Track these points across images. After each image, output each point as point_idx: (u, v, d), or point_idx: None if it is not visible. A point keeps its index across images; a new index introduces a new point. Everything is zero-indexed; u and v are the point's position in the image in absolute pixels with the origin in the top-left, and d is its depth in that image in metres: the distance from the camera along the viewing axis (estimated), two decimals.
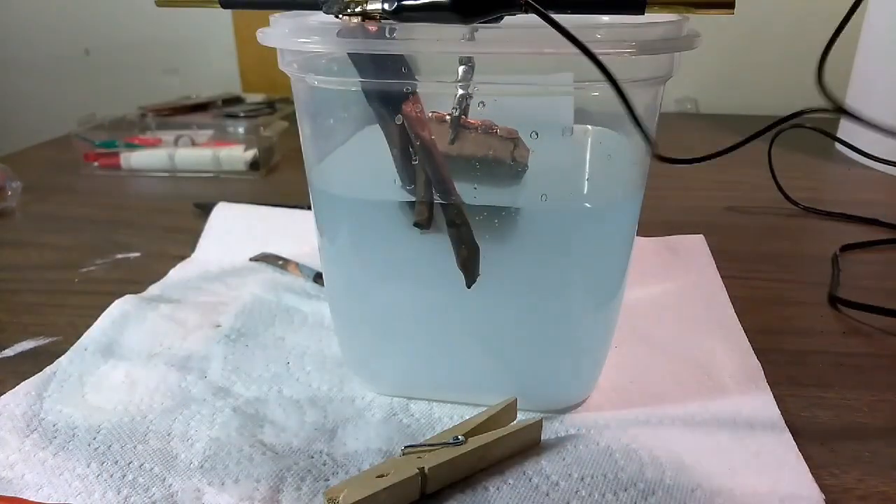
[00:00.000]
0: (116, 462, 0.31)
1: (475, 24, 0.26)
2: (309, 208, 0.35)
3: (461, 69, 0.27)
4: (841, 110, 0.26)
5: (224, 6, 0.30)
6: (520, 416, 0.33)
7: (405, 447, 0.30)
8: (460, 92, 0.28)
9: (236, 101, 0.95)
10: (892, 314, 0.42)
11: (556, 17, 0.23)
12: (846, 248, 0.54)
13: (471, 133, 0.28)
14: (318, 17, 0.29)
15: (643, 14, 0.27)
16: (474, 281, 0.31)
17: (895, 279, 0.50)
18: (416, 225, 0.30)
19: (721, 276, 0.48)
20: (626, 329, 0.41)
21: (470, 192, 0.29)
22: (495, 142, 0.28)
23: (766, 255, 0.54)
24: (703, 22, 0.28)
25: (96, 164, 0.78)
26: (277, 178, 0.76)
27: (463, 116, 0.28)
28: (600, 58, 0.25)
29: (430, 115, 0.28)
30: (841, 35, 0.27)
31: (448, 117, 0.28)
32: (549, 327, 0.33)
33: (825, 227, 0.60)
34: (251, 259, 0.52)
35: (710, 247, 0.53)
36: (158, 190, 0.74)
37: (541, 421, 0.32)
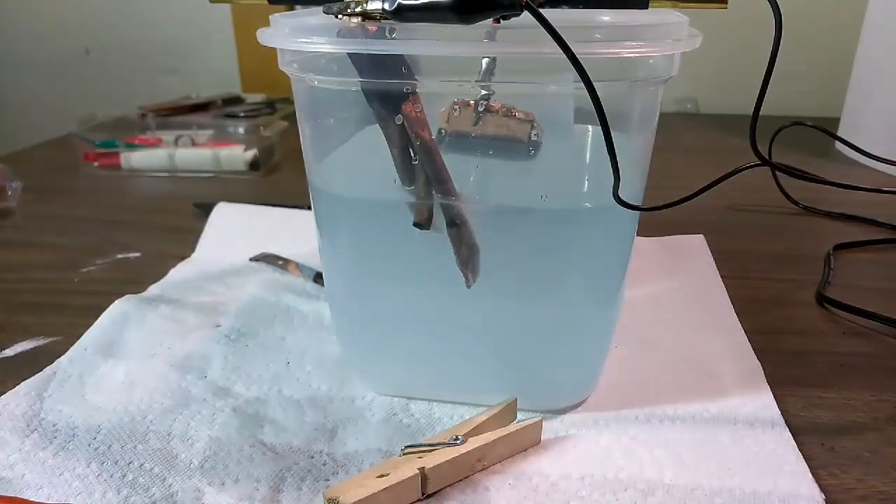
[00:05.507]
0: (116, 462, 0.31)
1: (495, 25, 0.26)
2: (309, 208, 0.35)
3: (484, 62, 0.28)
4: (772, 164, 0.28)
5: (272, 2, 0.31)
6: (520, 416, 0.33)
7: (405, 447, 0.30)
8: (483, 92, 0.29)
9: (236, 101, 0.95)
10: (876, 318, 0.42)
11: (565, 14, 0.23)
12: (840, 248, 0.54)
13: (492, 115, 0.30)
14: (319, 17, 0.29)
15: (647, 8, 0.27)
16: (474, 281, 0.31)
17: (889, 279, 0.50)
18: (416, 225, 0.30)
19: (721, 276, 0.49)
20: (626, 329, 0.41)
21: (470, 192, 0.30)
22: (514, 123, 0.30)
23: (766, 254, 0.54)
24: (703, 22, 0.28)
25: (96, 164, 0.78)
26: (277, 178, 0.76)
27: (485, 102, 0.30)
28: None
29: (455, 101, 0.29)
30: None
31: (472, 102, 0.30)
32: (549, 327, 0.33)
33: (825, 227, 0.60)
34: (251, 259, 0.52)
35: (710, 247, 0.53)
36: (158, 190, 0.74)
37: (541, 421, 0.32)
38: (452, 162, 0.29)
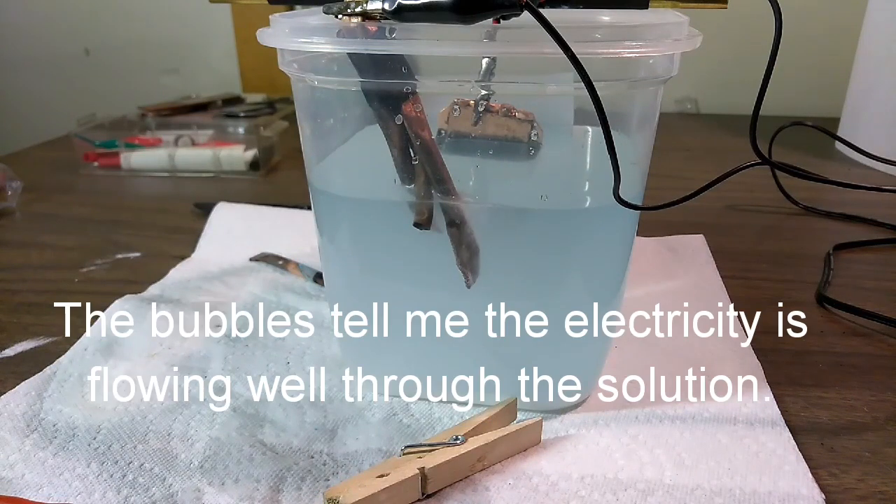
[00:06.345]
0: (116, 462, 0.31)
1: (495, 25, 0.26)
2: (309, 208, 0.35)
3: (484, 62, 0.28)
4: (772, 164, 0.29)
5: (272, 2, 0.31)
6: (520, 416, 0.33)
7: (405, 447, 0.30)
8: (483, 92, 0.29)
9: (236, 101, 0.95)
10: (876, 318, 0.42)
11: (565, 14, 0.23)
12: (840, 248, 0.54)
13: (492, 115, 0.30)
14: (319, 17, 0.29)
15: (646, 8, 0.27)
16: (474, 281, 0.31)
17: (889, 279, 0.50)
18: (416, 225, 0.30)
19: (721, 276, 0.49)
20: (627, 329, 0.41)
21: (469, 192, 0.30)
22: (514, 123, 0.30)
23: (765, 254, 0.54)
24: (703, 22, 0.28)
25: (96, 164, 0.78)
26: (277, 178, 0.76)
27: (485, 102, 0.30)
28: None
29: (455, 101, 0.29)
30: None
31: (472, 102, 0.29)
32: (549, 327, 0.33)
33: (825, 227, 0.60)
34: (251, 259, 0.52)
35: (710, 246, 0.53)
36: (158, 190, 0.74)
37: (541, 421, 0.32)
38: (452, 162, 0.29)
